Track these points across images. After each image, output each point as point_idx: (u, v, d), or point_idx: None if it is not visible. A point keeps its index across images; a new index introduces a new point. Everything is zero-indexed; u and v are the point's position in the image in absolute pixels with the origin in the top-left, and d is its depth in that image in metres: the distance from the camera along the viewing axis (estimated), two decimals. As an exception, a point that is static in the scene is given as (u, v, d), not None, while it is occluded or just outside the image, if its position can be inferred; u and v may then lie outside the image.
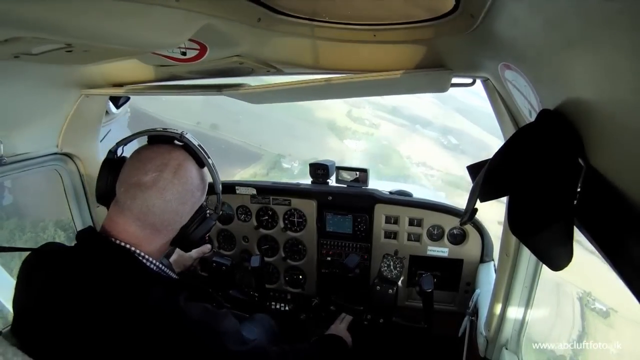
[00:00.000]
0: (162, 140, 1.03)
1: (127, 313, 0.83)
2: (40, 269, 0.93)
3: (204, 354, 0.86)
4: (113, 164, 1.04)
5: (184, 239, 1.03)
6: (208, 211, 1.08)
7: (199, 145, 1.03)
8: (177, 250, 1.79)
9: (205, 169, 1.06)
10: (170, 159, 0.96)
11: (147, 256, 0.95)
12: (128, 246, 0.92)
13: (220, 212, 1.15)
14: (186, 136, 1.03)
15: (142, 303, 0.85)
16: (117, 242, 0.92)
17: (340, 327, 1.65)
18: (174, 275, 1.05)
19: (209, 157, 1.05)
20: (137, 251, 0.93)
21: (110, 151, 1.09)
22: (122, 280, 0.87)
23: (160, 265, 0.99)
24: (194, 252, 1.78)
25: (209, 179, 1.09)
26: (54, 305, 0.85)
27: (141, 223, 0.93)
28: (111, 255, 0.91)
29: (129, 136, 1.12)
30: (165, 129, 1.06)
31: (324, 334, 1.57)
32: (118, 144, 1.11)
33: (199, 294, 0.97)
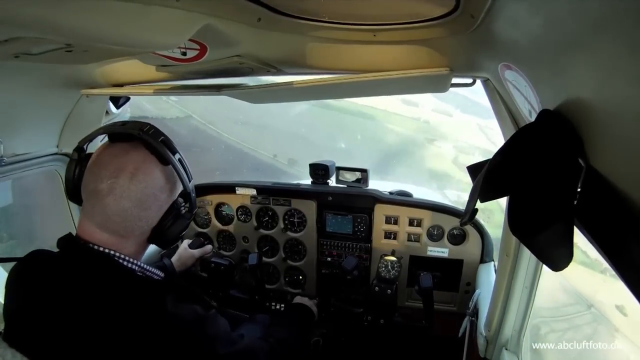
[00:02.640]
0: (122, 138, 0.95)
1: (114, 320, 0.82)
2: (27, 278, 0.91)
3: (193, 358, 0.86)
4: (78, 164, 1.00)
5: (157, 239, 0.98)
6: (182, 209, 0.99)
7: (162, 141, 0.94)
8: (179, 250, 1.80)
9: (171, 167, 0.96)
10: (126, 162, 0.90)
11: (128, 257, 0.92)
12: (107, 250, 0.90)
13: (195, 211, 1.06)
14: (146, 131, 0.93)
15: (129, 309, 0.83)
16: (96, 247, 0.89)
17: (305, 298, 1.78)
18: (160, 274, 1.02)
19: (175, 153, 0.96)
20: (117, 254, 0.91)
21: (74, 150, 1.03)
22: (107, 288, 0.85)
23: (144, 266, 0.97)
24: (197, 252, 1.78)
25: None
26: (41, 315, 0.84)
27: (105, 230, 0.90)
28: (93, 263, 0.89)
29: (92, 133, 1.04)
30: (126, 122, 0.97)
31: (297, 309, 1.67)
32: (82, 142, 1.04)
33: (186, 295, 0.95)
